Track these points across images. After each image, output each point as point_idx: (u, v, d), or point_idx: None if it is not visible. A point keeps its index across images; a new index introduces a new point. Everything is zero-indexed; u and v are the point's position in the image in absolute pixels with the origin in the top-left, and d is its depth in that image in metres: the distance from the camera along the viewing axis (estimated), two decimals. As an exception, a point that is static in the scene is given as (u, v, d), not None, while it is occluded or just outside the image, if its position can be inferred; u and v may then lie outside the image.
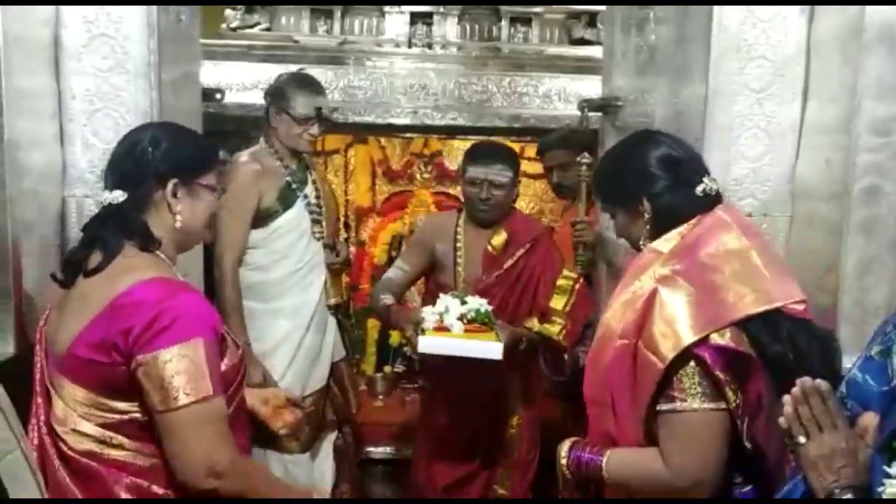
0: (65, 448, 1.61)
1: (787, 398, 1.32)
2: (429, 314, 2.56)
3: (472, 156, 3.05)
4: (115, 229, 1.64)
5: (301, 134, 2.99)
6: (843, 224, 2.03)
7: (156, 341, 1.50)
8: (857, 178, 1.99)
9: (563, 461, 1.63)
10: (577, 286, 2.93)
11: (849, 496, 1.24)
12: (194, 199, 1.70)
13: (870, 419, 1.39)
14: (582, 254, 3.03)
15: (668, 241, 1.63)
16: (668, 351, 1.48)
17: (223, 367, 1.61)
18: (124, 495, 1.57)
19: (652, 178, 1.66)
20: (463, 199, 3.15)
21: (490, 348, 2.35)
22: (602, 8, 4.11)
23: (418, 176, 5.27)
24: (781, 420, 1.33)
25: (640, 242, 1.69)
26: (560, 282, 2.93)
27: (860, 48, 1.98)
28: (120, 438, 1.58)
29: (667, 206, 1.65)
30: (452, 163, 5.17)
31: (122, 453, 1.58)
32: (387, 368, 5.11)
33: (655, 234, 1.65)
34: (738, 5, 2.23)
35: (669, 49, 2.58)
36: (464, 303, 2.57)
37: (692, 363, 1.49)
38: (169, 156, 1.67)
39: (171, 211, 1.67)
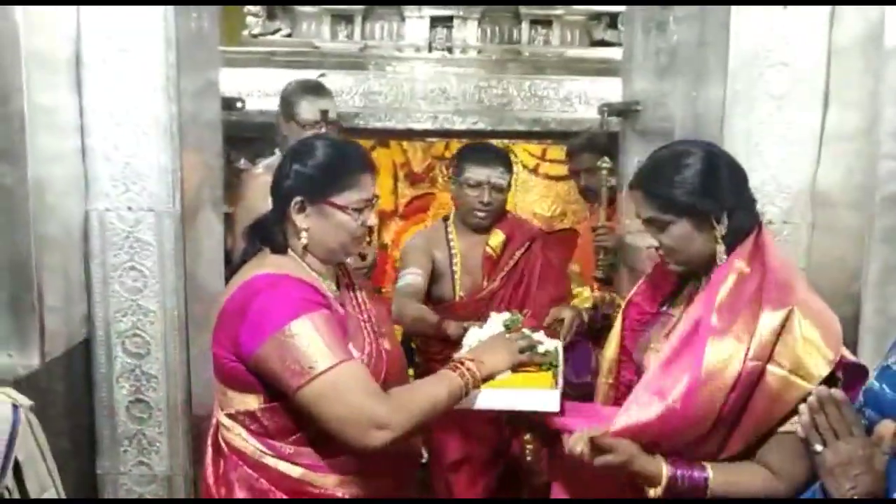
0: (219, 435, 1.72)
1: (803, 407, 1.35)
2: (474, 338, 2.00)
3: (469, 157, 2.89)
4: (255, 235, 1.75)
5: None
6: (866, 232, 2.00)
7: (264, 330, 1.55)
8: (880, 185, 1.96)
9: (664, 478, 1.56)
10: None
11: None
12: (324, 218, 1.67)
13: (886, 427, 1.40)
14: (603, 259, 3.03)
15: (743, 257, 1.60)
16: (819, 372, 1.49)
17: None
18: (236, 485, 1.65)
19: (736, 193, 1.64)
20: (456, 203, 2.95)
21: (543, 399, 1.77)
22: (623, 9, 4.09)
23: (440, 179, 5.26)
24: (799, 428, 1.36)
25: (717, 257, 1.63)
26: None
27: (881, 54, 1.95)
28: (239, 429, 1.65)
29: (740, 224, 1.62)
30: (474, 165, 5.16)
31: (241, 443, 1.65)
32: (409, 371, 5.11)
33: (728, 249, 1.62)
34: (757, 5, 2.20)
35: (689, 51, 2.56)
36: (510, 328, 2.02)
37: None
38: (294, 173, 1.68)
39: (296, 227, 1.68)
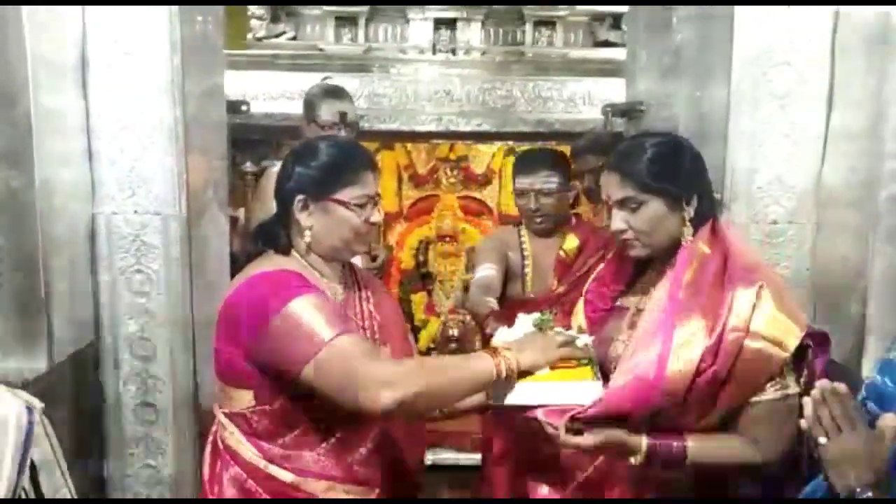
0: (217, 433, 1.75)
1: (806, 400, 1.37)
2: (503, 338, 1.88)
3: (516, 165, 2.95)
4: (259, 236, 1.78)
5: None
6: (870, 231, 1.99)
7: (265, 315, 1.57)
8: (884, 185, 1.96)
9: (644, 447, 1.60)
10: None
11: (869, 494, 1.28)
12: (327, 214, 1.69)
13: (888, 420, 1.40)
14: (607, 258, 3.03)
15: (704, 240, 1.67)
16: (793, 341, 1.58)
17: None
18: (226, 483, 1.68)
19: (703, 178, 1.72)
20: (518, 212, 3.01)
21: (586, 391, 1.67)
22: (626, 9, 4.09)
23: (444, 181, 5.25)
24: (803, 422, 1.38)
25: (683, 239, 1.69)
26: None
27: (885, 54, 1.95)
28: (233, 428, 1.68)
29: (705, 208, 1.70)
30: (478, 167, 5.17)
31: (235, 443, 1.68)
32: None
33: (693, 232, 1.69)
34: (760, 5, 2.21)
35: (693, 52, 2.56)
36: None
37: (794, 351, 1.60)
38: (295, 173, 1.71)
39: (300, 226, 1.71)
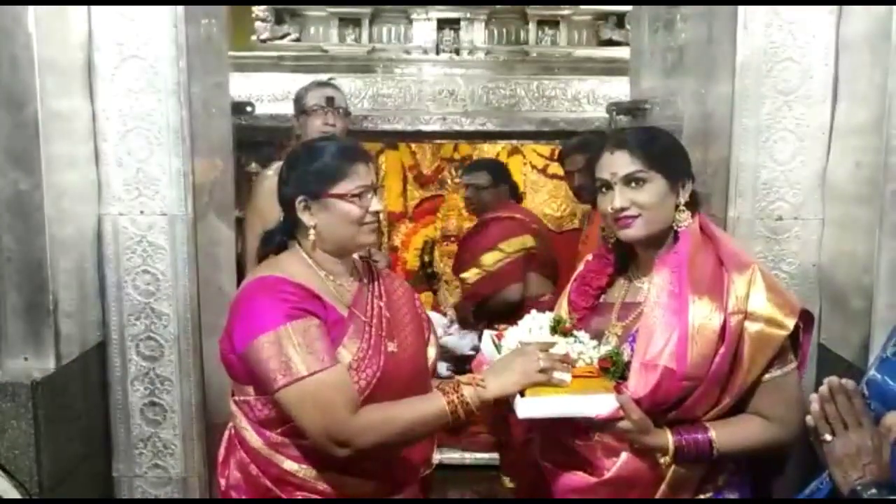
0: (231, 418, 1.84)
1: (813, 396, 1.38)
2: (511, 339, 1.78)
3: None
4: (265, 241, 1.87)
5: (320, 129, 2.96)
6: (876, 226, 1.99)
7: (251, 331, 1.64)
8: (890, 179, 1.95)
9: (671, 447, 1.61)
10: None
11: (873, 492, 1.27)
12: (328, 211, 1.74)
13: (893, 418, 1.43)
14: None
15: (695, 228, 1.72)
16: (790, 320, 1.63)
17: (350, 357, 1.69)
18: (233, 466, 1.78)
19: (691, 169, 1.77)
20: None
21: (599, 403, 1.62)
22: (630, 8, 4.09)
23: (449, 180, 5.28)
24: (809, 418, 1.39)
25: (674, 224, 1.72)
26: None
27: (889, 49, 1.94)
28: (240, 415, 1.76)
29: (693, 198, 1.75)
30: (483, 166, 5.17)
31: (241, 429, 1.76)
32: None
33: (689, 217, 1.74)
34: (764, 5, 2.21)
35: (697, 50, 2.56)
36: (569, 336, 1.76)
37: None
38: (292, 176, 1.78)
39: (305, 226, 1.76)
